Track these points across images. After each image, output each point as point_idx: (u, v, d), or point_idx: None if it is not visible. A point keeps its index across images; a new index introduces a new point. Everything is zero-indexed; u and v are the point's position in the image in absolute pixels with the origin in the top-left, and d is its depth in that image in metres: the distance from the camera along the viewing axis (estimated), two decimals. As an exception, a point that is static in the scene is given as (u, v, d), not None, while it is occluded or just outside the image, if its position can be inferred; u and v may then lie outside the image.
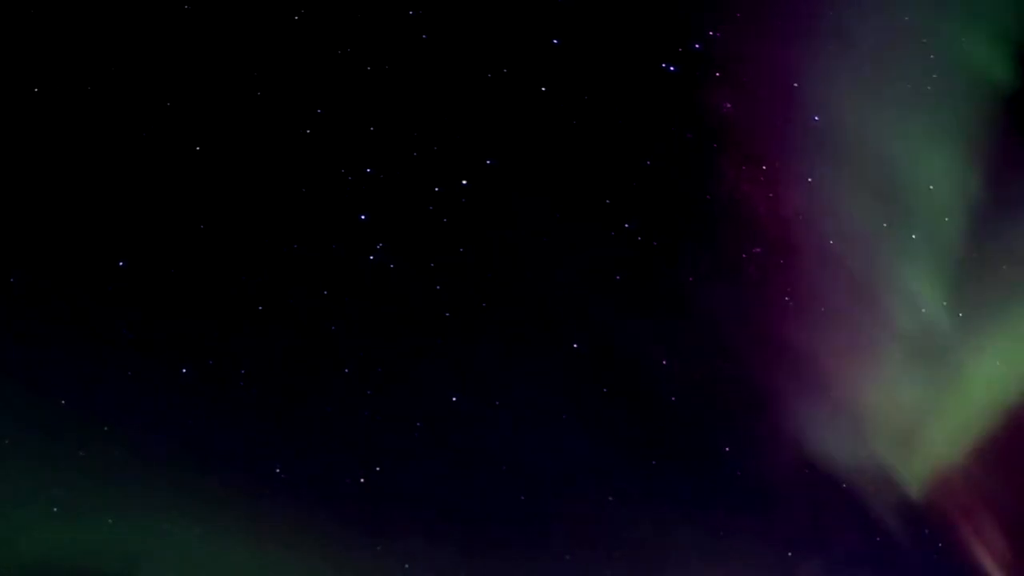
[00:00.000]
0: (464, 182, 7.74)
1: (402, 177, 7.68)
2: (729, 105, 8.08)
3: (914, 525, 8.50)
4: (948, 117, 8.37)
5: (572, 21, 7.85)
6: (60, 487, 7.27)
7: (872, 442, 8.45)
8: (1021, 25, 8.48)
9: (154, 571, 7.43)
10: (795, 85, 8.19)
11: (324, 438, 7.63)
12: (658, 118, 7.99)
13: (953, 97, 8.39)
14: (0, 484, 7.15)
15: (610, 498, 7.91)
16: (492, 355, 7.80)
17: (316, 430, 7.62)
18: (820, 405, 8.38)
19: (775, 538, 8.28)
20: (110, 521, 7.37)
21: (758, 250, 8.14)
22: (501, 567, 7.78)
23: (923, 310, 8.37)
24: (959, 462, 8.58)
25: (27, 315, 7.24)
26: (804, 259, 8.26)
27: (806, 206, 8.24)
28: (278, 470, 7.56)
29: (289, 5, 7.51)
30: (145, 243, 7.43)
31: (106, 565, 7.32)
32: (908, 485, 8.50)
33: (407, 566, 7.68)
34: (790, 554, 8.19)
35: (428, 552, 7.72)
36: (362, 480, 7.67)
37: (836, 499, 8.39)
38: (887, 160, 8.41)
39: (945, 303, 8.37)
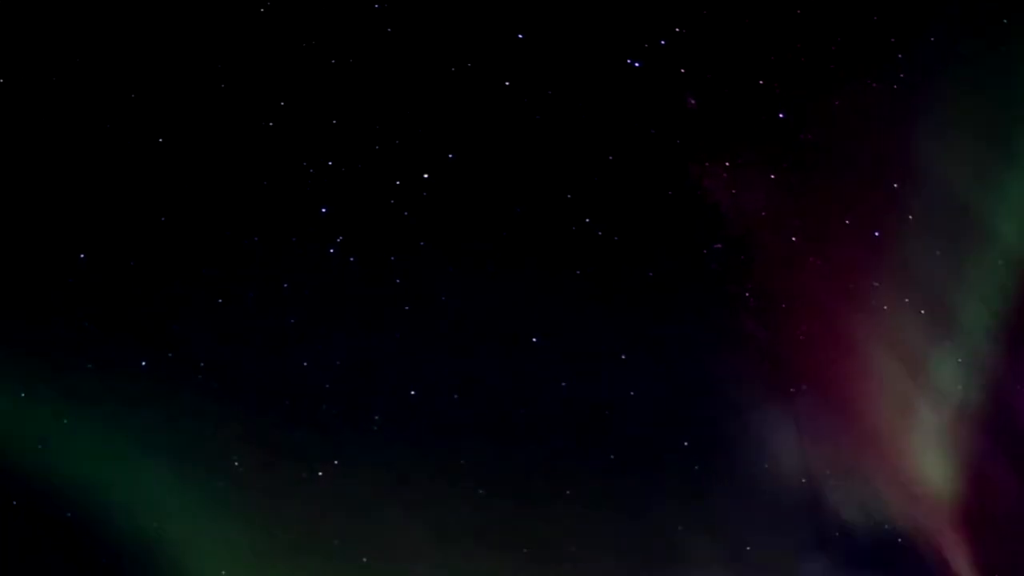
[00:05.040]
0: (425, 176, 7.73)
1: (363, 170, 7.67)
2: (693, 101, 8.09)
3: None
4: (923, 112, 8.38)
5: (537, 15, 7.84)
6: (18, 481, 7.27)
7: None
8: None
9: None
10: (760, 82, 8.19)
11: (282, 431, 7.63)
12: (621, 113, 7.98)
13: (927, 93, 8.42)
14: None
15: (568, 492, 7.94)
16: (451, 349, 7.80)
17: (274, 423, 7.62)
18: (785, 403, 8.41)
19: (741, 537, 8.31)
20: (68, 515, 7.37)
21: (719, 246, 8.16)
22: (461, 563, 7.79)
23: (884, 307, 8.40)
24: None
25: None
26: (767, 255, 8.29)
27: (769, 203, 8.26)
28: (236, 463, 7.57)
29: (253, -3, 7.52)
30: (106, 235, 7.42)
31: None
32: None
33: (365, 560, 7.71)
34: (749, 549, 8.23)
35: (387, 546, 7.74)
36: (320, 473, 7.67)
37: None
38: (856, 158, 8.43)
39: (907, 299, 8.40)
